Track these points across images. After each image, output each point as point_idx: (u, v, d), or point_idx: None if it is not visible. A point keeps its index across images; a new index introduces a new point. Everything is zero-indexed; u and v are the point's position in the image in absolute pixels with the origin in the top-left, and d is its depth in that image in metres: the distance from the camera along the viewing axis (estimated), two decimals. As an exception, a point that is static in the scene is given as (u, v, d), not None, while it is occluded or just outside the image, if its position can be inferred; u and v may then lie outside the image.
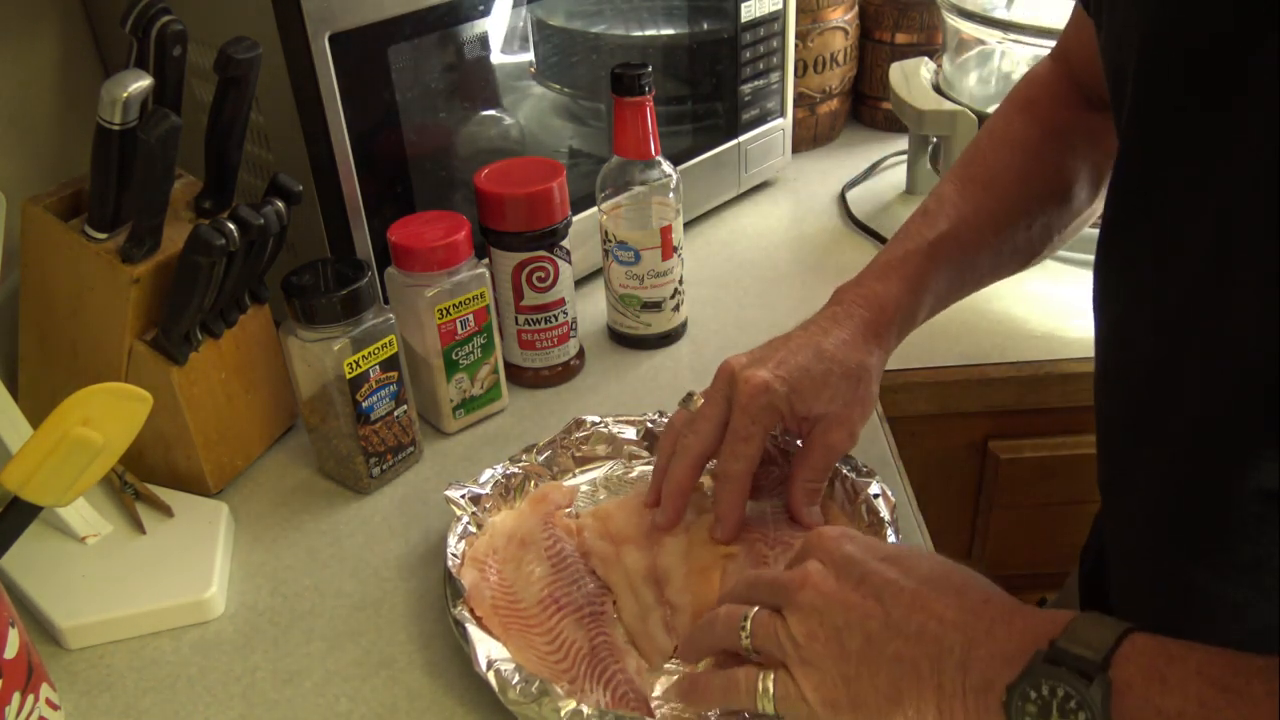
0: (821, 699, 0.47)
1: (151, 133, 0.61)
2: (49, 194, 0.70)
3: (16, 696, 0.53)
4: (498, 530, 0.66)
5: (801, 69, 1.14)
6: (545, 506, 0.68)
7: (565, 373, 0.84)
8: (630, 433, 0.74)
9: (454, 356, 0.76)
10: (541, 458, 0.71)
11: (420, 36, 0.76)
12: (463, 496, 0.66)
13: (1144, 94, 0.47)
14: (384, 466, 0.74)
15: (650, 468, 0.71)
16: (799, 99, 1.15)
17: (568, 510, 0.69)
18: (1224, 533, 0.46)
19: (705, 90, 1.02)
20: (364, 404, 0.70)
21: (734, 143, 1.05)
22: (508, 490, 0.69)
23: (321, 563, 0.69)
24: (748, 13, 0.99)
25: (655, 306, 0.85)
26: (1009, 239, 0.68)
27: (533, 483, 0.70)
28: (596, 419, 0.74)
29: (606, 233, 0.83)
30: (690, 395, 0.66)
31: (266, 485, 0.76)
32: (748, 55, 1.01)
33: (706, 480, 0.70)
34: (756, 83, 1.04)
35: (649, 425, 0.74)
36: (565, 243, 0.79)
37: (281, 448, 0.79)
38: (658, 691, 0.57)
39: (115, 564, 0.67)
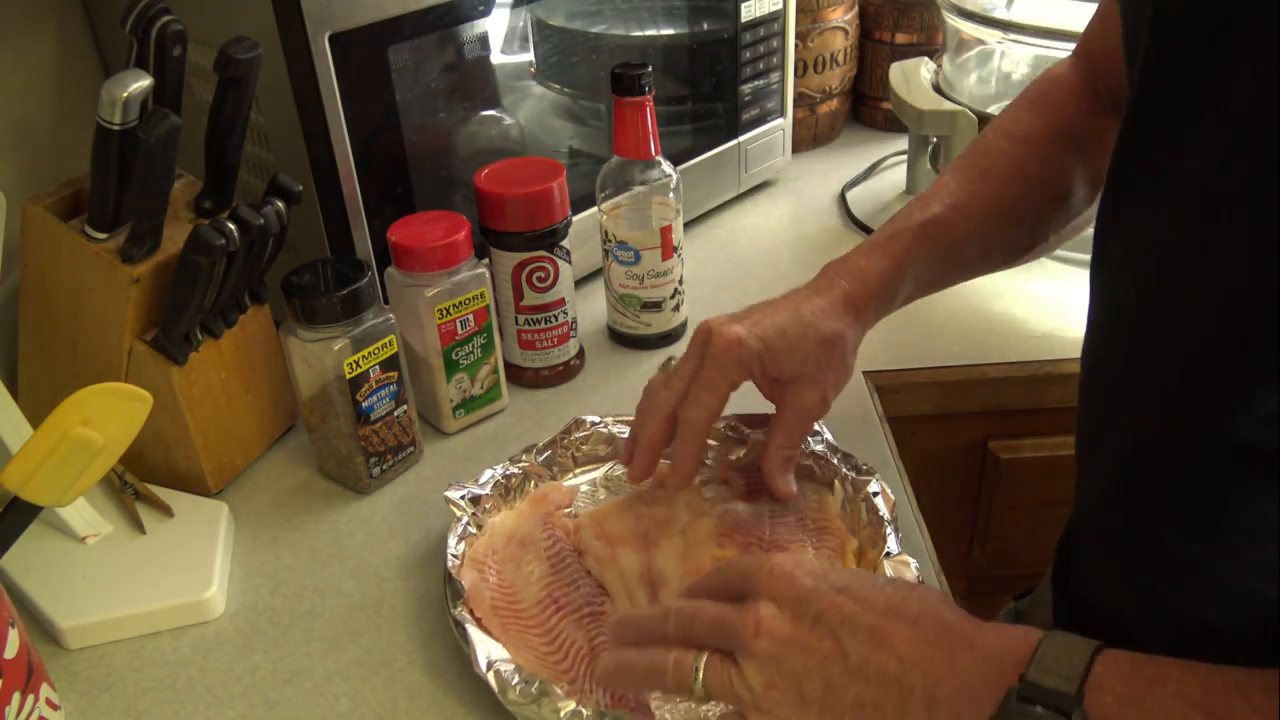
0: None
1: (151, 133, 0.61)
2: (49, 194, 0.70)
3: (16, 696, 0.53)
4: (497, 531, 0.66)
5: (801, 69, 1.14)
6: (545, 507, 0.68)
7: (565, 373, 0.84)
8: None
9: (454, 356, 0.76)
10: (541, 458, 0.71)
11: (420, 36, 0.76)
12: (462, 497, 0.66)
13: (1154, 40, 0.46)
14: (384, 466, 0.74)
15: None
16: (799, 99, 1.15)
17: (567, 510, 0.69)
18: (1191, 485, 0.45)
19: (705, 90, 1.02)
20: (364, 404, 0.70)
21: (734, 143, 1.05)
22: (507, 491, 0.69)
23: (321, 563, 0.69)
24: (748, 13, 0.99)
25: (655, 306, 0.85)
26: (1000, 231, 0.68)
27: (533, 483, 0.70)
28: (596, 419, 0.74)
29: (606, 233, 0.83)
30: (669, 360, 0.66)
31: (266, 485, 0.76)
32: (748, 55, 1.01)
33: (708, 478, 0.70)
34: (756, 83, 1.04)
35: None
36: (565, 243, 0.79)
37: (281, 448, 0.79)
38: (657, 693, 0.57)
39: (115, 564, 0.67)
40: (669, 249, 0.82)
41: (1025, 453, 0.90)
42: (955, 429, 0.89)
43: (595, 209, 0.84)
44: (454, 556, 0.62)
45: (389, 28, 0.73)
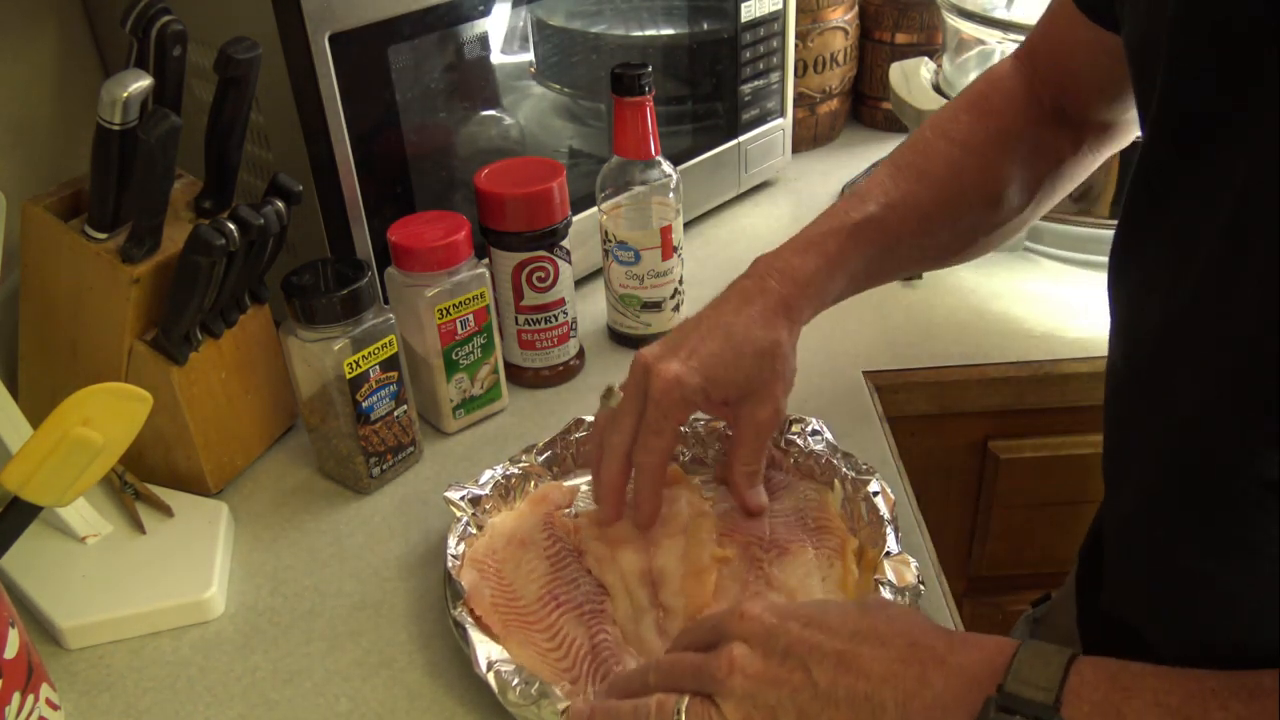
0: None
1: (151, 133, 0.61)
2: (49, 194, 0.70)
3: (16, 696, 0.53)
4: (497, 531, 0.66)
5: (801, 69, 1.14)
6: (545, 506, 0.68)
7: (565, 373, 0.84)
8: None
9: (454, 356, 0.76)
10: (541, 458, 0.71)
11: (420, 36, 0.76)
12: (462, 498, 0.66)
13: (1169, 83, 0.46)
14: (384, 466, 0.74)
15: None
16: (799, 99, 1.15)
17: (567, 510, 0.69)
18: (1221, 518, 0.45)
19: (705, 90, 1.02)
20: (364, 404, 0.70)
21: (734, 143, 1.05)
22: (507, 491, 0.69)
23: (321, 563, 0.69)
24: (748, 13, 0.99)
25: (655, 307, 0.85)
26: (933, 233, 0.68)
27: (533, 483, 0.70)
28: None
29: (606, 233, 0.83)
30: (610, 390, 0.66)
31: (266, 485, 0.76)
32: (748, 55, 1.01)
33: (708, 478, 0.70)
34: (756, 83, 1.04)
35: None
36: (565, 243, 0.79)
37: (281, 448, 0.79)
38: None
39: (115, 564, 0.67)
40: (669, 249, 0.82)
41: (1025, 453, 0.90)
42: (955, 429, 0.89)
43: (595, 209, 0.84)
44: (454, 557, 0.62)
45: (389, 28, 0.73)
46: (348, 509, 0.73)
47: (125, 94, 0.61)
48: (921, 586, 0.59)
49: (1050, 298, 0.92)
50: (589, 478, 0.72)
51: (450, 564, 0.61)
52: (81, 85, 0.88)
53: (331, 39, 0.70)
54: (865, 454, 0.69)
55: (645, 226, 0.81)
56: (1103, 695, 0.41)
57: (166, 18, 0.64)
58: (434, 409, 0.78)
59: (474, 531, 0.65)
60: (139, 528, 0.70)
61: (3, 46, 0.81)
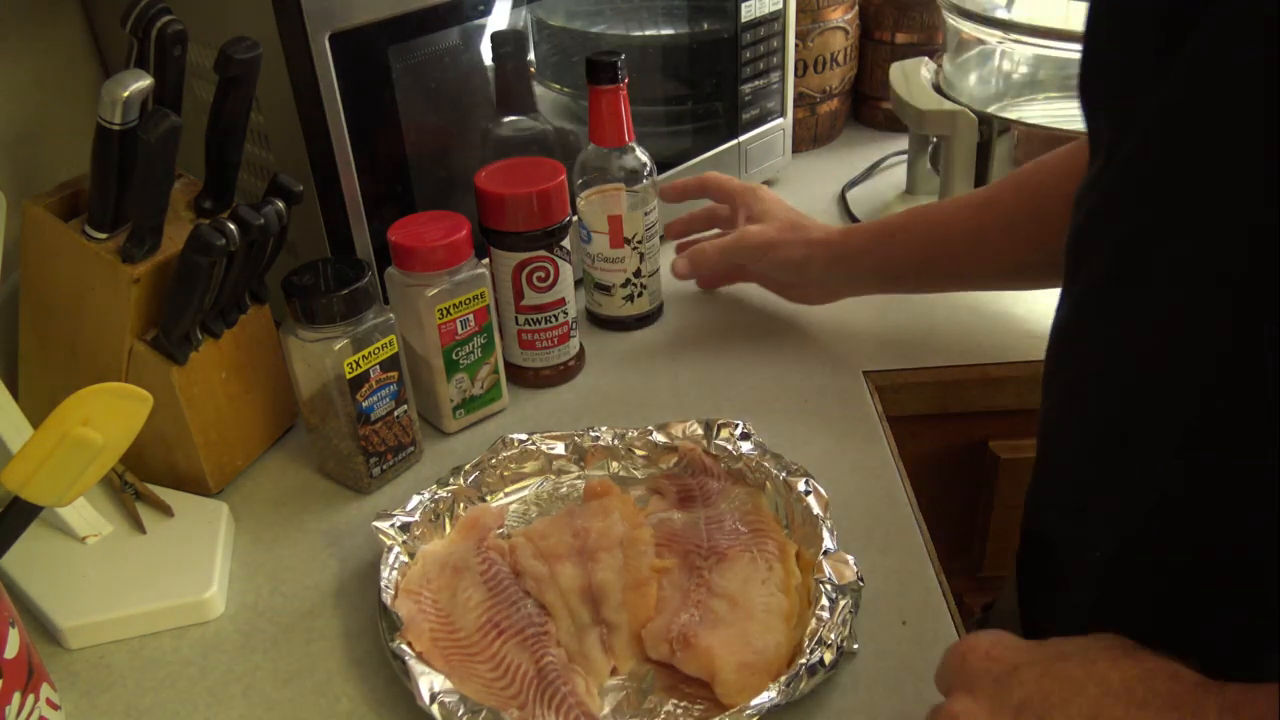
0: None
1: (151, 133, 0.61)
2: (49, 194, 0.70)
3: (17, 696, 0.53)
4: (430, 558, 0.65)
5: (801, 69, 1.14)
6: (476, 531, 0.67)
7: (565, 373, 0.84)
8: (559, 448, 0.73)
9: (454, 356, 0.76)
10: (469, 480, 0.70)
11: (420, 36, 0.76)
12: (391, 525, 0.65)
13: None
14: (384, 466, 0.74)
15: (580, 483, 0.72)
16: (799, 99, 1.15)
17: (499, 530, 0.68)
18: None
19: (705, 90, 1.02)
20: (364, 404, 0.70)
21: (734, 142, 1.05)
22: (436, 515, 0.68)
23: (321, 563, 0.69)
24: (748, 13, 0.99)
25: (605, 290, 0.88)
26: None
27: (461, 505, 0.69)
28: (524, 437, 0.73)
29: (580, 216, 0.85)
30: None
31: (266, 485, 0.76)
32: (748, 55, 1.01)
33: (639, 490, 0.71)
34: (756, 83, 1.04)
35: (576, 440, 0.74)
36: (565, 243, 0.79)
37: (281, 448, 0.79)
38: (606, 710, 0.57)
39: (115, 564, 0.67)
40: (618, 238, 0.83)
41: (1025, 453, 0.89)
42: (955, 429, 0.89)
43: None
44: (387, 587, 0.61)
45: (389, 28, 0.73)
46: (348, 509, 0.73)
47: (125, 94, 0.61)
48: (861, 582, 0.59)
49: (1050, 298, 0.91)
50: (519, 496, 0.72)
51: (384, 595, 0.60)
52: (81, 85, 0.88)
53: (332, 39, 0.70)
54: (865, 454, 0.69)
55: (606, 212, 0.83)
56: None
57: (166, 18, 0.64)
58: (434, 409, 0.78)
59: (406, 559, 0.64)
60: (139, 528, 0.70)
61: (2, 47, 0.81)
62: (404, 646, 0.57)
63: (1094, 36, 0.50)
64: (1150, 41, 0.44)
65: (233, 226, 0.63)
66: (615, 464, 0.73)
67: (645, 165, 0.82)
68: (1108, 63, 0.49)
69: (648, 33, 0.98)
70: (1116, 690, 0.40)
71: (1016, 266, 0.76)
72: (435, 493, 0.68)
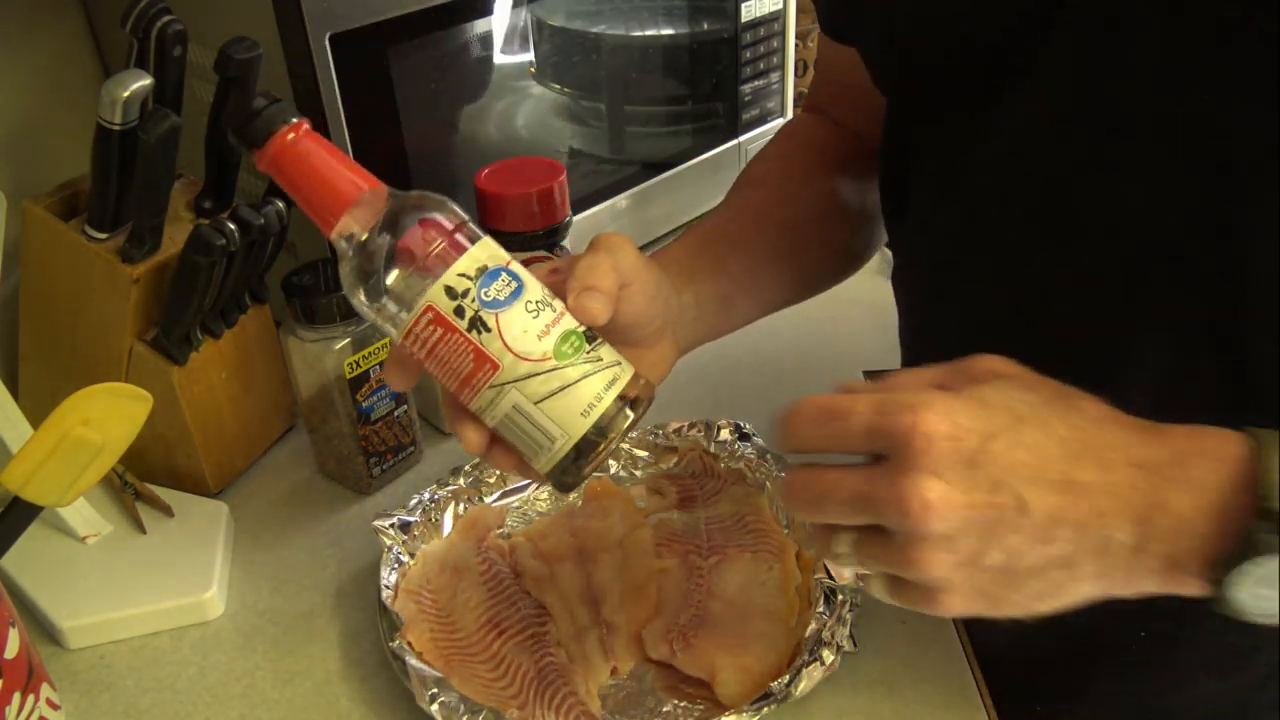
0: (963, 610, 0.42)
1: (151, 133, 0.61)
2: (49, 194, 0.70)
3: (17, 696, 0.53)
4: (430, 559, 0.65)
5: (802, 69, 1.14)
6: (476, 531, 0.67)
7: (565, 373, 0.84)
8: None
9: (454, 356, 0.75)
10: (469, 480, 0.70)
11: (420, 36, 0.76)
12: (391, 526, 0.65)
13: (899, 99, 0.50)
14: (384, 466, 0.74)
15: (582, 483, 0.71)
16: (799, 99, 1.15)
17: (499, 530, 0.68)
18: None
19: (705, 90, 1.02)
20: (364, 404, 0.70)
21: (734, 143, 1.05)
22: (436, 515, 0.68)
23: (321, 563, 0.69)
24: (748, 13, 0.99)
25: None
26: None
27: (460, 505, 0.69)
28: None
29: None
30: None
31: (266, 485, 0.76)
32: (748, 55, 1.01)
33: (639, 490, 0.70)
34: (757, 83, 1.04)
35: None
36: (565, 243, 0.79)
37: (281, 448, 0.79)
38: (606, 710, 0.57)
39: (115, 564, 0.67)
40: None
41: (1025, 453, 0.90)
42: (955, 429, 0.88)
43: (595, 209, 0.84)
44: (387, 587, 0.61)
45: (389, 28, 0.73)
46: (348, 509, 0.73)
47: (125, 94, 0.61)
48: (860, 583, 0.59)
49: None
50: (518, 496, 0.71)
51: (384, 595, 0.60)
52: (81, 85, 0.88)
53: (332, 39, 0.70)
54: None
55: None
56: None
57: (166, 18, 0.64)
58: (434, 409, 0.78)
59: (406, 559, 0.64)
60: (139, 528, 0.70)
61: (2, 46, 0.81)
62: (404, 646, 0.57)
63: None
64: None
65: (233, 226, 0.63)
66: (615, 464, 0.73)
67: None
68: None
69: (648, 33, 0.98)
70: (1077, 451, 0.41)
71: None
72: (435, 493, 0.68)
